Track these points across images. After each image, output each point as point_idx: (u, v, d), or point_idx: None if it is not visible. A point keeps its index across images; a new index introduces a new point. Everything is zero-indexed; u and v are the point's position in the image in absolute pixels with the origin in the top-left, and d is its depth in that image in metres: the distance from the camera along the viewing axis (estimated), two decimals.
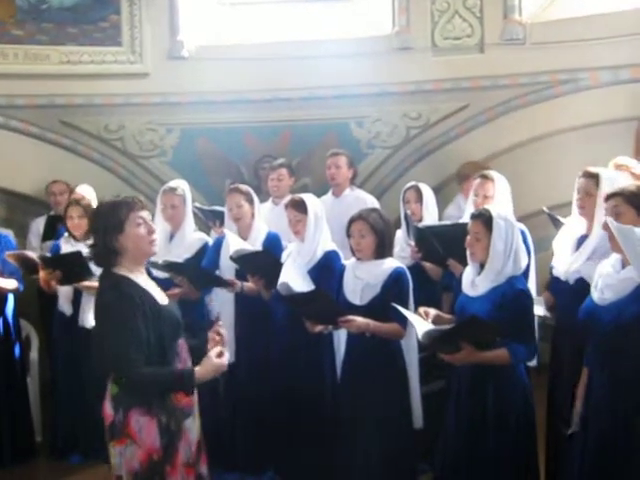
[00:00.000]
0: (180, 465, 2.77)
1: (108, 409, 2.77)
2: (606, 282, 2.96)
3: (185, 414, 2.81)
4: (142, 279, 2.83)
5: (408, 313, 3.29)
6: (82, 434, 4.72)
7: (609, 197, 3.09)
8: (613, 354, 2.90)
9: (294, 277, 3.76)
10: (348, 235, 3.73)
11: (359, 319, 3.49)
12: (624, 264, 2.93)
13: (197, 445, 2.88)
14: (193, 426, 2.86)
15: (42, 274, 4.51)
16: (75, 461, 4.74)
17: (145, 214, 2.84)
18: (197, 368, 2.76)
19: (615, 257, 3.00)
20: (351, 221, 3.72)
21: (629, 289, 2.88)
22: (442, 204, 4.91)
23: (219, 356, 2.80)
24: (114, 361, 2.67)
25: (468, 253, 3.33)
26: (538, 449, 3.37)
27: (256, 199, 4.45)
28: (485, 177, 4.33)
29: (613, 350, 2.90)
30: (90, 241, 2.86)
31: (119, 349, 2.63)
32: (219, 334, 2.97)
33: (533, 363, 3.47)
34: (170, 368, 2.77)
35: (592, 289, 3.05)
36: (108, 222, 2.76)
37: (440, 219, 4.79)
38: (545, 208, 4.49)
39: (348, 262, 3.83)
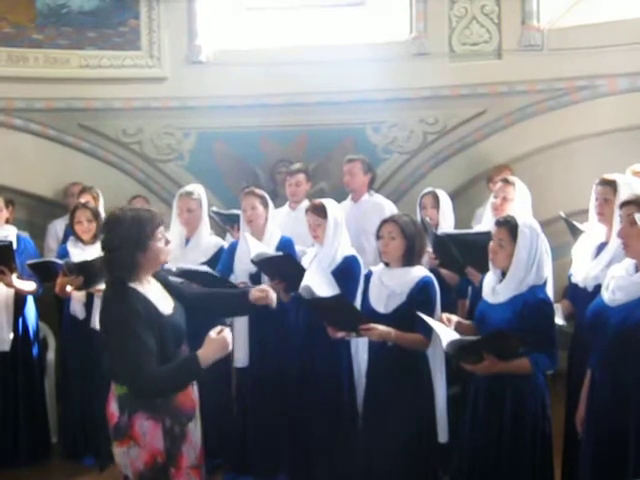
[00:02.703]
0: (186, 467, 2.82)
1: (113, 408, 2.82)
2: (618, 284, 2.95)
3: (188, 417, 2.85)
4: (149, 288, 2.84)
5: (433, 322, 3.26)
6: (94, 436, 4.74)
7: (623, 205, 3.07)
8: (618, 355, 2.88)
9: (318, 281, 3.74)
10: (378, 237, 3.68)
11: (381, 327, 3.43)
12: (637, 268, 2.92)
13: (201, 447, 2.92)
14: (196, 429, 2.90)
15: (61, 279, 4.50)
16: (88, 463, 4.76)
17: (163, 227, 2.88)
18: (199, 351, 2.74)
19: (629, 261, 2.99)
20: (382, 223, 3.68)
21: None
22: (459, 210, 4.90)
23: (219, 333, 2.78)
24: (128, 374, 2.68)
25: (490, 259, 3.30)
26: (554, 458, 3.34)
27: (270, 203, 4.46)
28: (507, 181, 4.38)
29: (618, 351, 2.88)
30: (102, 253, 2.84)
31: (130, 363, 2.65)
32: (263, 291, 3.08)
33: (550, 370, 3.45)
34: (174, 362, 2.75)
35: (603, 290, 3.04)
36: (133, 239, 2.75)
37: (458, 223, 4.78)
38: (562, 213, 4.48)
39: (375, 268, 3.77)
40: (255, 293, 3.10)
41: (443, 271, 4.27)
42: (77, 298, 4.71)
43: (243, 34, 6.47)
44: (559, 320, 3.70)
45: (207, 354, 2.72)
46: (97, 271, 4.39)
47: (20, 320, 4.75)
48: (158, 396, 2.75)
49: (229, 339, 2.78)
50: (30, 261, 4.57)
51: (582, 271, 3.68)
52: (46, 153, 6.33)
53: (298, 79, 6.07)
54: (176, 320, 2.86)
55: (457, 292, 4.42)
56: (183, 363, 2.76)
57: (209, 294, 3.32)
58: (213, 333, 2.77)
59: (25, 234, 5.11)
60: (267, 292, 3.11)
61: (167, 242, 2.88)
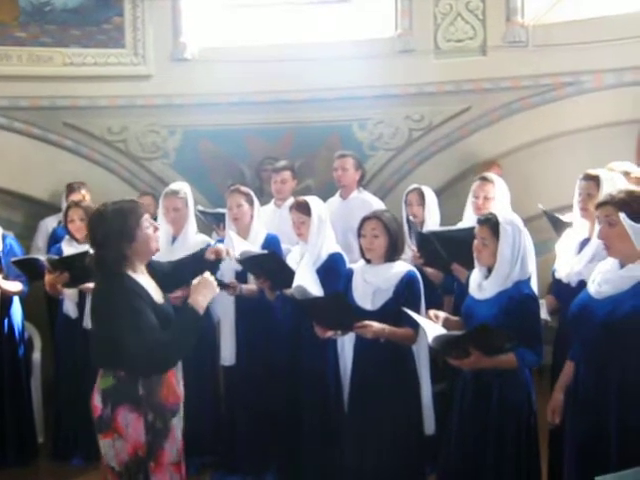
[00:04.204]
0: (167, 464, 2.85)
1: (96, 402, 2.85)
2: (605, 277, 2.95)
3: (172, 412, 2.87)
4: (142, 278, 2.89)
5: (418, 317, 3.27)
6: (84, 437, 4.71)
7: (599, 206, 2.98)
8: (603, 348, 2.88)
9: (311, 281, 3.73)
10: (359, 234, 3.67)
11: (376, 324, 3.43)
12: (622, 265, 2.93)
13: (181, 442, 2.95)
14: (180, 425, 2.93)
15: (48, 277, 4.47)
16: (76, 463, 4.74)
17: (148, 215, 2.93)
18: (188, 300, 2.83)
19: (613, 260, 3.00)
20: (364, 220, 3.66)
21: (628, 285, 2.86)
22: (445, 206, 4.91)
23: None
24: (140, 348, 2.67)
25: (475, 257, 3.32)
26: (540, 453, 3.35)
27: (256, 201, 4.46)
28: (485, 179, 4.36)
29: (604, 344, 2.88)
30: (91, 248, 2.88)
31: (140, 336, 2.67)
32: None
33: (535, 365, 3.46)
34: (172, 323, 2.83)
35: (589, 284, 3.04)
36: (119, 231, 2.79)
37: (444, 220, 4.79)
38: (541, 206, 4.48)
39: (356, 265, 3.77)
40: (209, 253, 3.46)
41: (427, 269, 4.27)
42: (69, 297, 4.70)
43: (228, 31, 6.46)
44: (544, 315, 3.72)
45: (197, 298, 2.82)
46: (82, 266, 4.38)
47: (6, 320, 4.71)
48: (172, 361, 2.81)
49: (211, 278, 2.88)
50: (14, 259, 4.54)
51: (566, 267, 3.69)
52: (30, 152, 6.28)
53: (284, 76, 6.06)
54: (167, 309, 2.92)
55: (443, 288, 4.43)
56: (180, 317, 2.82)
57: (176, 263, 3.50)
58: (195, 281, 2.88)
59: (10, 233, 5.08)
60: (218, 249, 3.48)
61: (156, 229, 2.94)
